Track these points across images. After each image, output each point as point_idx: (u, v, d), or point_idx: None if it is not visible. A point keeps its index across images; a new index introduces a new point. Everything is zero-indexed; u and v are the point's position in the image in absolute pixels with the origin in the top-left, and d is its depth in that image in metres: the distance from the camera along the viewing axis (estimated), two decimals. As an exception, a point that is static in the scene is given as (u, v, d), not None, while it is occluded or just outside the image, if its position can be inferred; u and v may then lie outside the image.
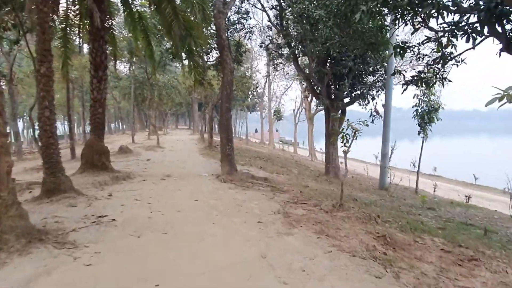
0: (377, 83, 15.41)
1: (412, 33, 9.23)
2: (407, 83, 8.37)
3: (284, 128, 55.36)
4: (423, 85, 8.51)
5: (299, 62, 16.69)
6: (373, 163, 31.14)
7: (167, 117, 54.54)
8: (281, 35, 15.92)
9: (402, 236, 5.84)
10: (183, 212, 6.13)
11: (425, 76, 8.08)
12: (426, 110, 14.08)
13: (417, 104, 14.21)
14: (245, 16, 16.94)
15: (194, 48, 10.68)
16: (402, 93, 8.20)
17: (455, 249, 5.42)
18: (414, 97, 14.46)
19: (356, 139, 7.88)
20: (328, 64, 14.90)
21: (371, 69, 14.78)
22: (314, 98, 25.86)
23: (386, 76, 14.39)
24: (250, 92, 25.35)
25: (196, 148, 19.76)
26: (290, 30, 14.79)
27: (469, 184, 22.10)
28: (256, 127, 64.54)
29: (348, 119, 8.16)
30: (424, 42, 7.91)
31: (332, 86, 15.71)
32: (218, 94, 19.50)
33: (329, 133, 15.61)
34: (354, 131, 8.23)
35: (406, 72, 9.99)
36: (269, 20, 15.87)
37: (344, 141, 7.77)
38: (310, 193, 9.03)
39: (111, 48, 11.82)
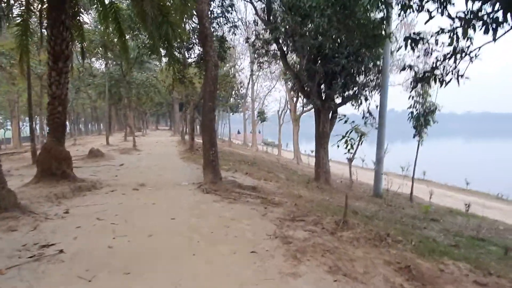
0: (371, 83, 14.46)
1: (426, 22, 8.18)
2: (417, 81, 7.33)
3: (266, 129, 54.34)
4: (436, 83, 7.49)
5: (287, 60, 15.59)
6: (360, 166, 30.44)
7: (146, 117, 52.69)
8: (268, 30, 14.79)
9: (424, 264, 4.75)
10: (156, 236, 4.85)
11: (439, 73, 7.07)
12: (422, 112, 13.20)
13: (412, 106, 13.33)
14: (230, 9, 15.73)
15: (172, 38, 9.35)
16: (411, 90, 7.25)
17: (487, 278, 4.43)
18: (409, 98, 13.58)
19: (361, 143, 6.75)
20: (319, 61, 13.83)
21: (364, 67, 13.79)
22: (301, 98, 24.87)
23: (381, 75, 13.45)
24: (233, 92, 24.10)
25: (176, 151, 18.37)
26: (278, 24, 13.65)
27: (461, 190, 21.48)
28: (238, 128, 63.30)
29: (353, 121, 7.11)
30: (438, 33, 6.88)
31: (323, 85, 14.66)
32: (200, 93, 18.19)
33: (319, 135, 14.55)
34: (360, 135, 7.16)
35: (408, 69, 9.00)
36: (256, 13, 14.69)
37: (348, 147, 6.67)
38: (306, 205, 7.88)
39: (78, 38, 10.38)
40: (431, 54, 8.23)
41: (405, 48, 6.88)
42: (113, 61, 22.68)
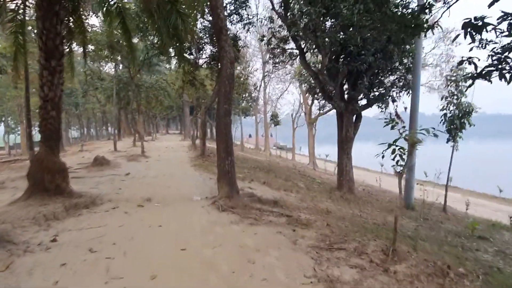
0: (398, 82, 13.18)
1: (490, 5, 6.94)
2: (476, 76, 6.09)
3: (277, 132, 52.85)
4: (502, 79, 6.23)
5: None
6: (379, 171, 28.97)
7: (156, 121, 51.97)
8: (285, 27, 13.65)
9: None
10: (161, 279, 3.73)
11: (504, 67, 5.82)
12: (457, 114, 11.86)
13: (445, 108, 12.02)
14: (243, 5, 14.65)
15: (181, 31, 8.25)
16: (469, 86, 6.04)
17: None
18: (442, 99, 12.28)
19: (413, 154, 5.53)
20: (341, 60, 12.63)
21: (393, 65, 12.54)
22: (317, 101, 23.64)
23: (411, 74, 12.17)
24: (247, 94, 22.99)
25: (186, 157, 17.29)
26: (297, 19, 12.49)
27: (492, 197, 19.93)
28: (249, 132, 62.12)
29: (404, 126, 5.91)
30: (503, 19, 5.64)
31: (346, 86, 13.45)
32: (212, 95, 17.13)
33: (342, 141, 13.31)
34: (411, 143, 5.93)
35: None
36: (273, 8, 13.55)
37: (397, 158, 5.47)
38: (339, 226, 6.69)
39: (79, 36, 9.39)
40: (486, 45, 6.98)
41: (464, 37, 5.61)
42: (121, 63, 21.83)
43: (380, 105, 13.07)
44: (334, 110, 26.95)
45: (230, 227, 5.78)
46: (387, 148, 5.20)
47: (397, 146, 5.41)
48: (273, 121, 33.35)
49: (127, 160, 15.10)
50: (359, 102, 13.42)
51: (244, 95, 23.21)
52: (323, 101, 23.81)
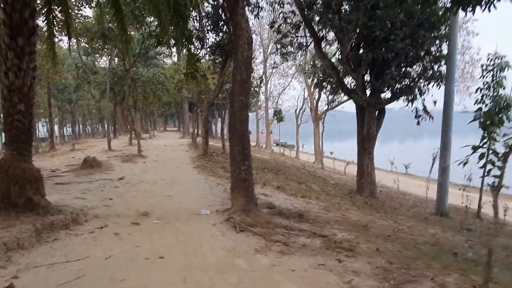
0: (425, 73, 11.68)
1: None
2: None
3: (276, 129, 50.73)
4: None
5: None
6: (389, 170, 27.57)
7: (154, 118, 50.38)
8: (298, 11, 12.16)
9: None
10: None
11: None
12: (495, 109, 10.38)
13: (480, 101, 10.55)
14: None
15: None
16: None
17: None
18: (476, 91, 10.81)
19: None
20: (365, 46, 11.14)
21: (423, 53, 11.05)
22: (325, 95, 22.16)
23: (446, 62, 10.72)
24: (253, 89, 21.45)
25: (187, 157, 15.78)
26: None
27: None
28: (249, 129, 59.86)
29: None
30: None
31: (367, 77, 11.97)
32: (215, 89, 15.61)
33: (363, 139, 11.85)
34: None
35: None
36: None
37: (489, 167, 4.01)
38: (390, 248, 5.25)
39: (61, 14, 7.86)
40: None
41: None
42: (116, 56, 20.31)
43: (407, 98, 11.58)
44: (341, 106, 25.53)
45: (256, 258, 4.31)
46: (473, 153, 3.82)
47: (491, 150, 3.97)
48: (277, 117, 31.84)
49: (121, 160, 13.58)
50: (381, 95, 11.96)
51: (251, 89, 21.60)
52: (332, 96, 22.38)
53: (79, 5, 17.61)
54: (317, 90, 25.81)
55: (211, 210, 6.39)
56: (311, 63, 21.37)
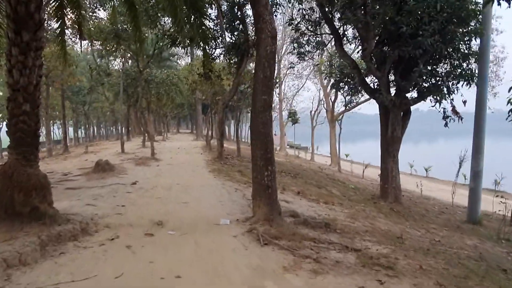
0: (454, 71, 10.96)
1: None
2: None
3: (290, 130, 49.89)
4: None
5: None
6: (408, 173, 26.65)
7: (167, 120, 50.27)
8: (318, 7, 11.63)
9: None
10: None
11: None
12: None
13: (514, 100, 9.81)
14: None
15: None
16: None
17: None
18: (509, 90, 10.08)
19: None
20: (390, 43, 10.50)
21: (453, 50, 10.36)
22: (342, 96, 21.48)
23: (478, 60, 10.02)
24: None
25: (202, 160, 15.33)
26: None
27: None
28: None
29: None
30: None
31: (392, 76, 11.32)
32: (231, 90, 15.13)
33: (387, 142, 11.19)
34: None
35: None
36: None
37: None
38: (434, 265, 4.66)
39: (73, 10, 7.49)
40: None
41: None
42: (129, 57, 20.07)
43: (434, 98, 10.88)
44: (357, 107, 24.77)
45: (286, 279, 3.77)
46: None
47: None
48: (292, 119, 31.23)
49: (134, 164, 13.19)
50: (406, 94, 11.30)
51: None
52: (349, 97, 21.68)
53: (93, 7, 17.45)
54: (333, 91, 25.14)
55: (231, 219, 5.87)
56: (328, 63, 20.77)
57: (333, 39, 11.91)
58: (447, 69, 10.95)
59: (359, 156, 28.27)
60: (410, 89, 10.89)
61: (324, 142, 46.51)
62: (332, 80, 20.50)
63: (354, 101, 22.06)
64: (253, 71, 6.28)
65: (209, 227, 5.53)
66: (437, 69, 11.11)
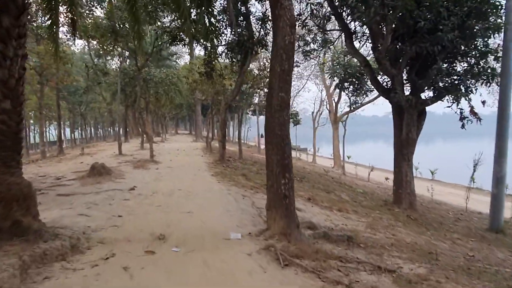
0: (474, 69, 10.31)
1: None
2: None
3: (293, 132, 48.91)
4: None
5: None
6: (419, 176, 25.90)
7: (166, 121, 49.54)
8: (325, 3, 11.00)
9: None
10: None
11: None
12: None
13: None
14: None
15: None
16: None
17: None
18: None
19: None
20: (406, 39, 9.86)
21: (470, 46, 9.73)
22: (347, 96, 20.82)
23: (500, 58, 9.39)
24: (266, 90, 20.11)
25: (203, 162, 14.63)
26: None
27: None
28: (258, 132, 58.69)
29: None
30: None
31: (406, 74, 10.68)
32: (234, 89, 14.44)
33: (401, 144, 10.54)
34: None
35: None
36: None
37: None
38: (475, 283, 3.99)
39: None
40: None
41: None
42: (127, 53, 19.34)
43: (452, 98, 10.23)
44: (361, 108, 24.10)
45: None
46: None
47: None
48: (293, 120, 30.58)
49: (133, 167, 12.48)
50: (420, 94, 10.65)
51: (261, 90, 20.16)
52: (354, 97, 21.02)
53: (91, 5, 16.76)
54: (337, 91, 24.48)
55: (242, 233, 5.18)
56: (331, 62, 20.10)
57: (343, 35, 11.27)
58: (465, 67, 10.32)
59: (361, 158, 27.60)
60: (426, 88, 10.25)
61: (323, 144, 45.82)
62: (336, 80, 19.85)
63: (359, 102, 21.39)
64: (268, 64, 5.59)
65: (218, 242, 4.84)
66: (455, 67, 10.50)
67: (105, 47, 18.07)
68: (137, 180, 9.80)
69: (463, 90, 10.23)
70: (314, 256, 4.37)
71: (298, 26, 13.67)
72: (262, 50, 13.92)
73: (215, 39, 13.64)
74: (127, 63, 23.58)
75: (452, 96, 10.25)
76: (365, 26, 11.08)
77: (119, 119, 22.89)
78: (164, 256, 4.34)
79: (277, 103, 4.79)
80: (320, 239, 5.20)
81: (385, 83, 11.61)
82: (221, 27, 13.81)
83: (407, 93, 10.44)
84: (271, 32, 14.08)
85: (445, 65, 9.99)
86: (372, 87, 20.01)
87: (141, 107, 21.96)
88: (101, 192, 7.97)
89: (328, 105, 27.86)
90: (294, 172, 15.31)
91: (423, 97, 10.60)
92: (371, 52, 11.88)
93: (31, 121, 29.34)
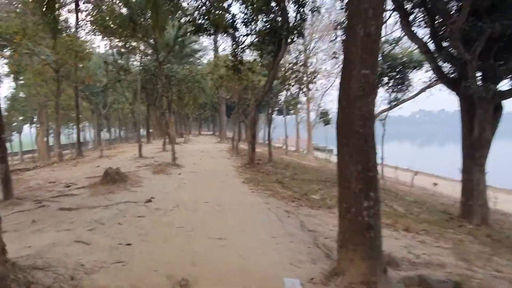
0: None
1: None
2: None
3: (316, 132, 46.66)
4: None
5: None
6: (450, 178, 23.59)
7: (189, 121, 48.59)
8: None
9: None
10: None
11: None
12: None
13: None
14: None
15: None
16: None
17: None
18: None
19: None
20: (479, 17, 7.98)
21: None
22: (387, 92, 18.81)
23: None
24: (303, 87, 18.34)
25: (230, 166, 13.08)
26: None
27: None
28: (286, 132, 56.70)
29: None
30: None
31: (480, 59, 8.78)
32: (265, 84, 12.83)
33: (471, 145, 8.65)
34: None
35: None
36: None
37: None
38: None
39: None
40: None
41: None
42: (147, 47, 18.16)
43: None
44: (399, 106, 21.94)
45: None
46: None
47: None
48: (323, 120, 28.68)
49: (152, 171, 11.06)
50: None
51: (291, 86, 18.39)
52: (394, 93, 19.01)
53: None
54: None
55: (300, 278, 3.54)
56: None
57: (399, 17, 9.46)
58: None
59: (393, 160, 25.51)
60: (508, 76, 8.34)
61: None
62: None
63: (399, 98, 19.33)
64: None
65: (268, 296, 3.22)
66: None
67: (124, 42, 16.97)
68: (155, 188, 8.32)
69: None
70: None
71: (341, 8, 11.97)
72: (297, 39, 12.23)
73: (244, 26, 12.15)
74: (148, 59, 22.46)
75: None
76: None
77: (139, 119, 21.71)
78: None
79: (358, 86, 3.13)
80: (416, 289, 3.51)
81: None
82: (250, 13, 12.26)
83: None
84: (308, 17, 12.43)
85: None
86: (412, 82, 18.07)
87: (163, 108, 20.75)
88: (111, 205, 6.51)
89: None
90: (331, 177, 13.38)
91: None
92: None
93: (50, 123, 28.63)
